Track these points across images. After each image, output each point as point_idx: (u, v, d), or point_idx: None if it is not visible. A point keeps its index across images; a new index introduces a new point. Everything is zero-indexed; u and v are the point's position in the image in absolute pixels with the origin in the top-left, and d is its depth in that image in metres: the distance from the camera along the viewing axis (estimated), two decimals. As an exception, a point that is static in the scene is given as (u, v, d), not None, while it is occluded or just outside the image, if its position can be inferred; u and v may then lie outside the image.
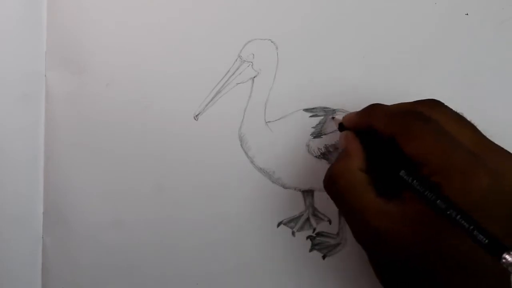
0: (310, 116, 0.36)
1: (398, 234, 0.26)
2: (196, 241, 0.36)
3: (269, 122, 0.36)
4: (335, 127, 0.34)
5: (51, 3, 0.37)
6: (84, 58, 0.37)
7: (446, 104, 0.28)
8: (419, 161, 0.26)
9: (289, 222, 0.36)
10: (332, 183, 0.29)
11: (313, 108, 0.36)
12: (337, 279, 0.36)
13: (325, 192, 0.36)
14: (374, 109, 0.30)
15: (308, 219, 0.36)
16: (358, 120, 0.31)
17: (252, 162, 0.36)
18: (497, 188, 0.25)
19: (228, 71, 0.36)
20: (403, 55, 0.36)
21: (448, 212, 0.24)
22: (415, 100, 0.29)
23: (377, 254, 0.27)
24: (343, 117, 0.32)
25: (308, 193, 0.36)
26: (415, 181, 0.26)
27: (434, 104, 0.28)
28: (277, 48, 0.36)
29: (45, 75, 0.37)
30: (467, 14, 0.36)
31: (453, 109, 0.28)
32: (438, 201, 0.24)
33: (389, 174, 0.27)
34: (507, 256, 0.22)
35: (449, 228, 0.24)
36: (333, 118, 0.35)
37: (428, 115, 0.27)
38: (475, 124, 0.28)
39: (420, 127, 0.27)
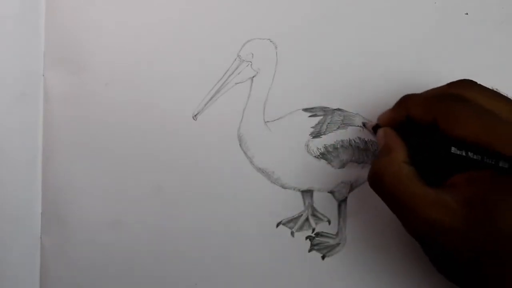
0: (309, 116, 0.36)
1: (457, 221, 0.25)
2: (195, 241, 0.36)
3: (268, 122, 0.36)
4: (370, 132, 0.34)
5: (49, 3, 0.37)
6: (82, 57, 0.37)
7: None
8: (468, 141, 0.26)
9: (288, 222, 0.36)
10: (378, 180, 0.28)
11: (312, 108, 0.36)
12: (337, 279, 0.35)
13: (324, 192, 0.36)
14: (409, 99, 0.30)
15: (307, 219, 0.36)
16: (394, 114, 0.31)
17: (251, 162, 0.36)
18: None
19: (227, 70, 0.36)
20: (402, 54, 0.36)
21: None
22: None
23: (435, 245, 0.27)
24: (378, 117, 0.32)
25: (307, 193, 0.36)
26: (469, 152, 0.26)
27: (468, 84, 0.29)
28: (276, 47, 0.36)
29: (43, 75, 0.37)
30: (467, 14, 0.36)
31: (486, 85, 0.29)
32: (501, 162, 0.25)
33: (432, 163, 0.27)
34: None
35: (507, 202, 0.24)
36: (364, 124, 0.35)
37: (466, 96, 0.27)
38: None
39: (461, 108, 0.27)
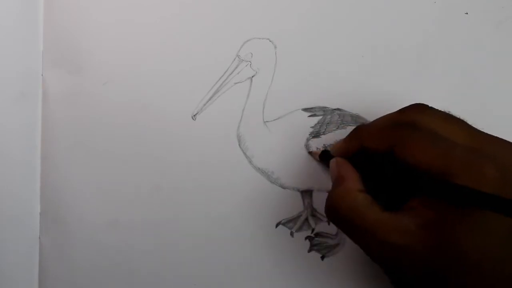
0: (309, 116, 0.36)
1: (417, 244, 0.25)
2: (194, 241, 0.36)
3: (267, 121, 0.36)
4: (316, 160, 0.35)
5: (48, 2, 0.37)
6: (81, 57, 0.37)
7: (432, 105, 0.29)
8: (423, 168, 0.26)
9: (288, 223, 0.36)
10: (335, 211, 0.29)
11: (312, 108, 0.36)
12: (336, 280, 0.35)
13: (324, 192, 0.36)
14: (362, 130, 0.30)
15: (306, 220, 0.36)
16: (347, 145, 0.31)
17: (250, 162, 0.36)
18: (505, 175, 0.25)
19: (226, 70, 0.36)
20: (402, 54, 0.36)
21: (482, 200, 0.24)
22: (398, 109, 0.29)
23: (398, 269, 0.27)
24: (331, 149, 0.33)
25: (306, 193, 0.36)
26: (435, 185, 0.25)
27: (420, 109, 0.28)
28: (275, 47, 0.36)
29: (42, 74, 0.37)
30: (467, 13, 0.36)
31: (440, 108, 0.28)
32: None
33: (388, 189, 0.27)
34: None
35: (463, 224, 0.24)
36: (310, 153, 0.35)
37: (419, 122, 0.27)
38: (470, 120, 0.28)
39: (414, 135, 0.27)
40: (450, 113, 0.28)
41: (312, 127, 0.36)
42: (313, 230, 0.36)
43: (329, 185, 0.36)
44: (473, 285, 0.25)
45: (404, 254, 0.26)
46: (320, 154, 0.34)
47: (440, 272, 0.25)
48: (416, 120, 0.27)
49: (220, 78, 0.36)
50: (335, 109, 0.36)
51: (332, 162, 0.31)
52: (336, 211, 0.28)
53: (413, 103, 0.29)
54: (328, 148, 0.35)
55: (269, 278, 0.36)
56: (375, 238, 0.26)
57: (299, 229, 0.36)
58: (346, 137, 0.31)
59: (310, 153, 0.35)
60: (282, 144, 0.36)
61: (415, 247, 0.25)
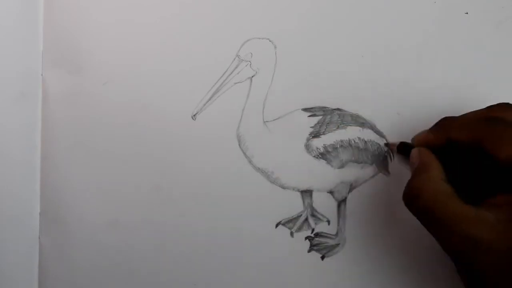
0: (309, 116, 0.36)
1: (497, 239, 0.25)
2: (193, 241, 0.36)
3: (267, 121, 0.36)
4: (393, 153, 0.34)
5: (48, 2, 0.37)
6: (81, 57, 0.37)
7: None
8: None
9: (288, 223, 0.36)
10: (415, 198, 0.28)
11: (312, 108, 0.36)
12: (336, 280, 0.35)
13: (324, 192, 0.36)
14: (450, 121, 0.30)
15: (306, 220, 0.36)
16: (433, 136, 0.30)
17: (250, 162, 0.36)
18: None
19: (226, 70, 0.36)
20: (402, 54, 0.36)
21: None
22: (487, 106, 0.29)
23: (472, 263, 0.26)
24: (415, 139, 0.32)
25: (306, 193, 0.36)
26: None
27: (509, 107, 0.29)
28: (275, 47, 0.36)
29: (42, 74, 0.37)
30: (467, 13, 0.36)
31: None
32: None
33: (472, 183, 0.27)
34: None
35: None
36: (386, 144, 0.35)
37: (509, 118, 0.27)
38: None
39: (506, 130, 0.27)
40: None
41: (312, 127, 0.36)
42: (313, 230, 0.36)
43: (329, 185, 0.36)
44: None
45: (482, 249, 0.25)
46: (398, 145, 0.33)
47: None
48: (504, 116, 0.28)
49: (220, 78, 0.36)
50: (335, 109, 0.36)
51: (415, 151, 0.31)
52: (416, 197, 0.28)
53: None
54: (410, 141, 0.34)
55: (269, 278, 0.36)
56: (455, 230, 0.26)
57: (299, 229, 0.36)
58: (432, 127, 0.31)
59: (386, 144, 0.35)
60: (282, 144, 0.36)
61: (495, 243, 0.25)
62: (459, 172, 0.28)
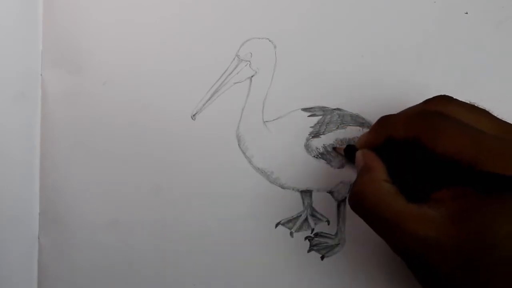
0: (309, 116, 0.36)
1: (443, 236, 0.25)
2: (193, 241, 0.36)
3: (267, 121, 0.36)
4: (341, 156, 0.34)
5: (47, 2, 0.37)
6: (80, 57, 0.37)
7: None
8: (452, 156, 0.26)
9: (287, 223, 0.36)
10: (359, 200, 0.28)
11: (312, 108, 0.36)
12: (336, 280, 0.35)
13: (324, 192, 0.36)
14: (388, 119, 0.30)
15: (306, 220, 0.36)
16: (373, 136, 0.30)
17: (250, 162, 0.36)
18: None
19: (226, 70, 0.36)
20: (402, 54, 0.36)
21: None
22: (424, 99, 0.29)
23: (421, 261, 0.26)
24: (357, 141, 0.32)
25: (306, 193, 0.36)
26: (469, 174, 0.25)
27: (445, 100, 0.28)
28: (275, 47, 0.36)
29: (41, 74, 0.37)
30: (467, 13, 0.36)
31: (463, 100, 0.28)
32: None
33: (414, 181, 0.27)
34: None
35: (499, 212, 0.24)
36: (334, 149, 0.35)
37: (446, 112, 0.27)
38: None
39: (445, 123, 0.26)
40: (475, 104, 0.28)
41: (312, 127, 0.36)
42: (312, 230, 0.36)
43: (328, 185, 0.36)
44: (506, 272, 0.24)
45: (431, 246, 0.25)
46: (344, 149, 0.33)
47: (470, 263, 0.24)
48: (442, 109, 0.27)
49: (220, 78, 0.36)
50: (335, 109, 0.36)
51: (358, 153, 0.31)
52: (360, 201, 0.28)
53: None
54: (353, 142, 0.34)
55: (269, 278, 0.36)
56: (400, 230, 0.26)
57: (299, 229, 0.36)
58: (371, 128, 0.31)
59: (334, 149, 0.35)
60: (281, 144, 0.36)
61: (443, 239, 0.25)
62: (403, 170, 0.28)
